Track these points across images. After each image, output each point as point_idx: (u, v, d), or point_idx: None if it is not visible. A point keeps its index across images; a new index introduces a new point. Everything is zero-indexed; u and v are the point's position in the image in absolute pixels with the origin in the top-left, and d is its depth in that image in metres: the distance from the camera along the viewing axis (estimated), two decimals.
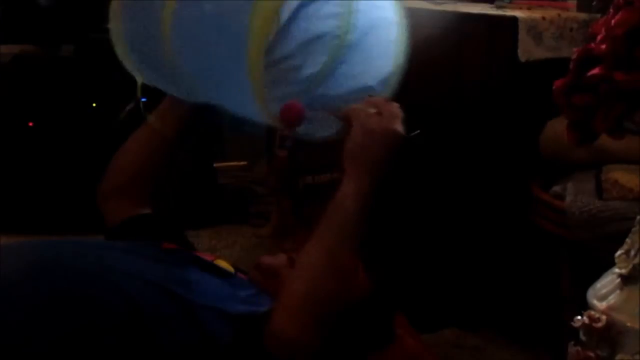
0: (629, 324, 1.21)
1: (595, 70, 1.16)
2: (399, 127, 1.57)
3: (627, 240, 1.28)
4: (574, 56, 1.24)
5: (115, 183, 1.87)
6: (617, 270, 1.27)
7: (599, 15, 1.29)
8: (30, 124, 3.03)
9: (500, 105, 2.30)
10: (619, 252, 1.28)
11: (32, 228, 2.89)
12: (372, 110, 1.58)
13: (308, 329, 1.45)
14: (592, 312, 1.25)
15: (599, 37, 1.21)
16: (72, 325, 1.42)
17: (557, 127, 2.07)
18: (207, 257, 1.81)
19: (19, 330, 1.40)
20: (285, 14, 1.58)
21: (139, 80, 1.78)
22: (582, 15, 2.33)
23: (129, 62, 1.79)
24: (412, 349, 1.86)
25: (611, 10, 1.21)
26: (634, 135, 1.73)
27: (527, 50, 2.24)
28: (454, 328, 2.44)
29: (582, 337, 1.27)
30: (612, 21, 1.17)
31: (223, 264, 1.80)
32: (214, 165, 3.29)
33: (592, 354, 1.24)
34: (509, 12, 2.31)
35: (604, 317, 1.23)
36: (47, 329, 1.41)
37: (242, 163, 3.57)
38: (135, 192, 1.86)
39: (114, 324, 1.45)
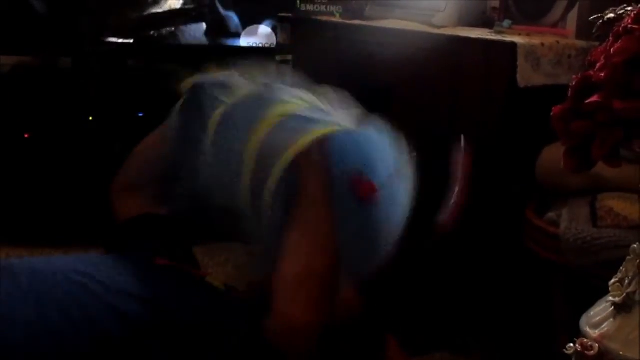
0: (621, 353, 1.21)
1: (594, 98, 1.16)
2: None
3: (622, 268, 1.28)
4: (572, 83, 1.24)
5: (129, 178, 1.88)
6: (610, 298, 1.27)
7: (597, 43, 1.29)
8: (27, 135, 3.03)
9: (497, 131, 2.30)
10: (613, 280, 1.28)
11: (28, 240, 2.89)
12: None
13: (308, 306, 1.45)
14: (585, 340, 1.25)
15: (598, 65, 1.22)
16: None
17: (553, 154, 2.07)
18: (197, 273, 1.81)
19: (12, 351, 1.39)
20: None
21: None
22: (581, 43, 2.34)
23: None
24: None
25: (610, 38, 1.22)
26: (630, 163, 1.73)
27: (526, 76, 2.24)
28: (445, 351, 2.43)
29: None
30: (612, 49, 1.17)
31: (214, 281, 1.80)
32: None
33: None
34: (508, 38, 2.31)
35: (596, 345, 1.22)
36: (43, 349, 1.40)
37: None
38: (149, 190, 1.85)
39: (108, 342, 1.44)
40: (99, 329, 1.44)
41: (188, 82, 1.80)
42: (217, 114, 1.68)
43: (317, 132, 1.55)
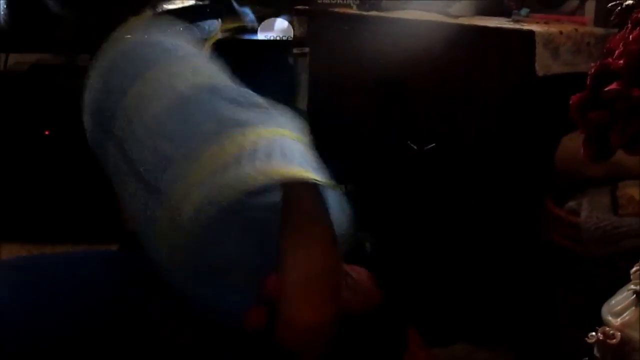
0: None
1: (613, 86, 1.16)
2: None
3: None
4: (591, 71, 1.23)
5: None
6: (632, 286, 1.27)
7: (616, 30, 1.29)
8: (47, 133, 3.04)
9: (516, 120, 2.29)
10: (634, 269, 1.28)
11: (49, 237, 2.91)
12: None
13: (318, 307, 1.43)
14: (607, 329, 1.24)
15: (616, 53, 1.21)
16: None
17: (572, 143, 2.06)
18: None
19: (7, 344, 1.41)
20: None
21: None
22: (600, 30, 2.32)
23: None
24: None
25: (629, 25, 1.21)
26: None
27: (545, 64, 2.23)
28: (465, 343, 2.43)
29: (596, 354, 1.27)
30: (630, 37, 1.17)
31: None
32: None
33: None
34: (526, 26, 2.30)
35: (618, 334, 1.22)
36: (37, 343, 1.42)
37: None
38: None
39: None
40: (99, 326, 1.46)
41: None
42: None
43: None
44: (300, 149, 1.48)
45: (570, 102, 1.27)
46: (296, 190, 1.46)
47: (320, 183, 1.42)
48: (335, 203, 1.53)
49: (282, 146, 1.43)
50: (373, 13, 2.80)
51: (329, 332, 1.47)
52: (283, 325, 1.44)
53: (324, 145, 2.22)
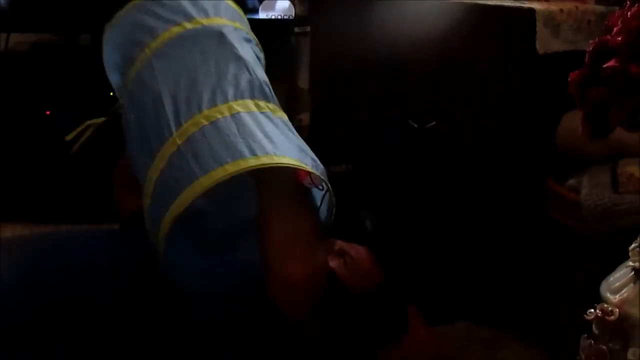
0: None
1: (611, 63, 1.16)
2: None
3: None
4: (590, 48, 1.24)
5: (127, 173, 1.86)
6: (630, 263, 1.27)
7: (616, 8, 1.29)
8: (48, 113, 3.04)
9: (516, 98, 2.29)
10: (632, 246, 1.28)
11: (49, 217, 2.91)
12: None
13: (302, 261, 1.47)
14: (605, 305, 1.25)
15: (615, 30, 1.21)
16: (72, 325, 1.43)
17: (573, 121, 2.05)
18: None
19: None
20: None
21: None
22: (600, 8, 2.31)
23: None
24: (424, 340, 1.86)
25: (628, 2, 1.21)
26: None
27: (545, 42, 2.22)
28: (466, 321, 2.43)
29: (595, 330, 1.27)
30: (629, 13, 1.17)
31: None
32: None
33: (604, 347, 1.24)
34: (527, 4, 2.30)
35: (616, 310, 1.23)
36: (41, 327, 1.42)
37: None
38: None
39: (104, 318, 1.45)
40: (99, 308, 1.46)
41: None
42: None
43: None
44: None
45: (569, 79, 1.27)
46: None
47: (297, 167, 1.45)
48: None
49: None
50: None
51: (314, 288, 1.50)
52: (271, 280, 1.47)
53: (325, 124, 2.22)
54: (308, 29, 3.16)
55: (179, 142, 1.44)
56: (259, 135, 1.45)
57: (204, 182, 1.37)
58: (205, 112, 1.46)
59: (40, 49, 3.14)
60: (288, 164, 1.42)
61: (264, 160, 1.40)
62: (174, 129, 1.45)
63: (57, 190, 3.05)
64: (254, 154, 1.40)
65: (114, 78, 1.74)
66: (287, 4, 3.31)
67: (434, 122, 2.45)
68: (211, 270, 1.60)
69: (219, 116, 1.46)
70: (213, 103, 1.48)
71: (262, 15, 3.30)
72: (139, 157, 1.54)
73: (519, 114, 2.29)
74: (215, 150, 1.41)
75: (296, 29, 3.36)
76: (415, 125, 2.48)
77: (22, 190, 3.01)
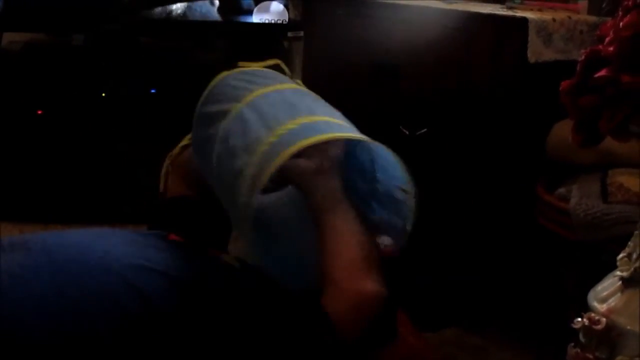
0: (629, 327, 1.21)
1: (602, 72, 1.16)
2: None
3: (630, 243, 1.28)
4: (581, 57, 1.24)
5: (189, 163, 1.90)
6: (618, 273, 1.27)
7: (608, 18, 1.29)
8: (39, 112, 3.03)
9: (507, 106, 2.30)
10: (620, 255, 1.28)
11: (41, 217, 2.90)
12: None
13: (374, 279, 1.50)
14: (592, 314, 1.25)
15: (607, 39, 1.21)
16: (86, 322, 1.42)
17: (564, 129, 2.06)
18: (212, 251, 1.81)
19: (28, 327, 1.39)
20: None
21: None
22: (592, 18, 2.32)
23: None
24: (413, 347, 1.86)
25: (620, 12, 1.21)
26: None
27: (537, 51, 2.23)
28: (456, 327, 2.44)
29: (582, 339, 1.28)
30: (620, 23, 1.17)
31: (228, 258, 1.80)
32: None
33: (591, 356, 1.25)
34: (520, 13, 2.30)
35: (604, 320, 1.23)
36: (60, 326, 1.40)
37: None
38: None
39: (126, 318, 1.44)
40: (117, 305, 1.44)
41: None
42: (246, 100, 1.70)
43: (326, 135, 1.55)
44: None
45: (561, 87, 1.27)
46: (309, 180, 1.57)
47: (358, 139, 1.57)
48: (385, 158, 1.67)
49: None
50: None
51: (377, 310, 1.51)
52: (336, 296, 1.48)
53: None
54: (301, 33, 3.16)
55: (272, 139, 1.52)
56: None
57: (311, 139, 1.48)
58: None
59: (32, 48, 3.14)
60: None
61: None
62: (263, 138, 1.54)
63: (47, 190, 3.05)
64: None
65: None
66: (280, 8, 3.31)
67: (425, 129, 2.46)
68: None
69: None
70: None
71: (255, 19, 3.31)
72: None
73: (510, 122, 2.30)
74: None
75: (289, 34, 3.37)
76: (407, 132, 2.48)
77: (13, 189, 3.00)
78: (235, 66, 1.85)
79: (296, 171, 1.58)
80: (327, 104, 1.70)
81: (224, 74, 1.84)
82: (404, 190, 1.68)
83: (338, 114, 1.67)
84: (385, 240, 1.71)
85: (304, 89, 1.78)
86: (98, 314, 1.42)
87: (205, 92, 1.83)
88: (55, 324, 1.39)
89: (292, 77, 1.87)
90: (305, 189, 1.60)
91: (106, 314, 1.42)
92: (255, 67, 1.86)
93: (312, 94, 1.74)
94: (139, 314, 1.44)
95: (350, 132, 1.58)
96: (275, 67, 1.88)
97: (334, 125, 1.59)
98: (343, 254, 1.53)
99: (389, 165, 1.70)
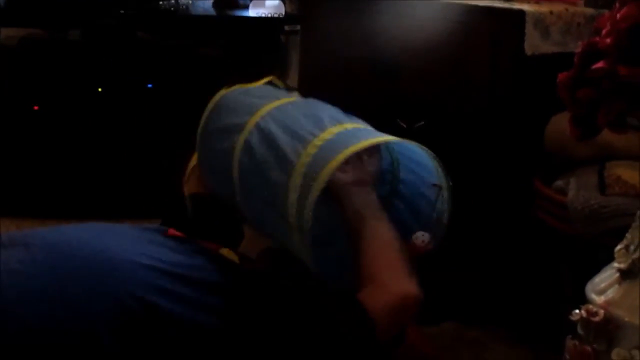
0: (627, 319, 1.21)
1: (599, 64, 1.16)
2: None
3: (627, 235, 1.28)
4: (578, 50, 1.24)
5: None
6: (616, 265, 1.27)
7: (606, 11, 1.29)
8: (36, 108, 3.03)
9: (505, 99, 2.29)
10: (618, 247, 1.28)
11: (37, 212, 2.90)
12: None
13: (413, 281, 1.55)
14: (590, 306, 1.25)
15: (604, 32, 1.21)
16: (86, 320, 1.41)
17: (561, 122, 2.05)
18: (211, 246, 1.81)
19: (27, 323, 1.38)
20: None
21: None
22: (590, 11, 2.32)
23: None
24: (412, 341, 1.86)
25: (617, 4, 1.21)
26: (637, 131, 1.73)
27: (534, 44, 2.23)
28: (454, 321, 2.44)
29: (580, 331, 1.28)
30: (617, 15, 1.17)
31: (227, 253, 1.80)
32: None
33: (589, 348, 1.25)
34: (517, 6, 2.30)
35: (601, 312, 1.23)
36: (59, 323, 1.40)
37: None
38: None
39: (127, 318, 1.43)
40: (118, 305, 1.43)
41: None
42: (258, 115, 1.74)
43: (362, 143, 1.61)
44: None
45: (558, 80, 1.27)
46: (349, 191, 1.62)
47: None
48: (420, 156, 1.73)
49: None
50: None
51: (414, 309, 1.58)
52: (382, 295, 1.51)
53: None
54: (298, 27, 3.16)
55: (318, 143, 1.58)
56: None
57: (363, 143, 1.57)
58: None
59: (29, 43, 3.13)
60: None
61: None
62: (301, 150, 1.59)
63: (45, 186, 3.04)
64: None
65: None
66: (277, 2, 3.31)
67: (423, 122, 2.45)
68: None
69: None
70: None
71: (252, 13, 3.30)
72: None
73: (508, 115, 2.30)
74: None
75: (286, 28, 3.36)
76: (404, 125, 2.48)
77: (10, 185, 3.00)
78: (231, 85, 1.89)
79: (337, 183, 1.61)
80: (340, 111, 1.74)
81: (225, 90, 1.88)
82: (435, 185, 1.74)
83: (356, 118, 1.73)
84: (422, 237, 1.76)
85: (311, 99, 1.82)
86: (98, 312, 1.41)
87: (210, 107, 1.87)
88: (54, 321, 1.39)
89: (288, 89, 1.90)
90: (344, 199, 1.63)
91: (106, 313, 1.41)
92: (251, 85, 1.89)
93: (323, 103, 1.78)
94: (141, 314, 1.43)
95: (381, 136, 1.64)
96: (269, 83, 1.90)
97: (366, 131, 1.66)
98: (387, 257, 1.58)
99: (414, 164, 1.78)
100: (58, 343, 1.37)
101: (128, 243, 1.58)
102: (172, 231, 1.75)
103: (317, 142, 1.58)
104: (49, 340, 1.37)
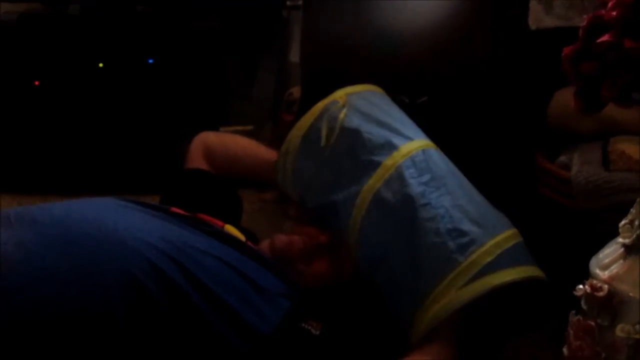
0: (631, 294, 1.21)
1: (605, 37, 1.15)
2: None
3: (632, 210, 1.28)
4: (583, 23, 1.23)
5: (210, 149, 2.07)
6: (620, 240, 1.27)
7: None
8: (36, 83, 3.02)
9: (508, 73, 2.29)
10: (622, 222, 1.28)
11: (38, 188, 2.90)
12: None
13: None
14: (594, 281, 1.25)
15: (609, 4, 1.20)
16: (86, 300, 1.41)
17: (565, 97, 2.05)
18: (217, 222, 1.81)
19: (42, 298, 1.38)
20: None
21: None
22: None
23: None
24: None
25: None
26: None
27: (538, 18, 2.22)
28: None
29: (584, 306, 1.28)
30: None
31: (232, 230, 1.80)
32: (220, 129, 3.29)
33: (592, 323, 1.25)
34: None
35: (605, 287, 1.23)
36: (73, 298, 1.39)
37: (248, 127, 3.57)
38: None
39: (143, 296, 1.43)
40: (135, 282, 1.43)
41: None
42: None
43: None
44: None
45: (562, 54, 1.26)
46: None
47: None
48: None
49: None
50: None
51: None
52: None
53: (316, 97, 2.21)
54: (300, 2, 3.14)
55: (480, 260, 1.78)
56: None
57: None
58: None
59: (29, 18, 3.11)
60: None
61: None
62: None
63: (45, 161, 3.04)
64: None
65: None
66: None
67: (426, 97, 2.44)
68: None
69: None
70: None
71: None
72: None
73: (511, 90, 2.29)
74: None
75: (288, 2, 3.34)
76: (407, 100, 2.47)
77: (10, 161, 2.99)
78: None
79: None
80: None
81: (343, 93, 2.00)
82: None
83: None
84: None
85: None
86: (112, 287, 1.41)
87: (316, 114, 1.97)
88: (68, 296, 1.39)
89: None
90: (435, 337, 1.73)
91: (120, 288, 1.41)
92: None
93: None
94: (153, 288, 1.43)
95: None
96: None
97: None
98: None
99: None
100: (73, 317, 1.38)
101: (137, 221, 1.59)
102: (175, 209, 1.75)
103: (487, 256, 1.76)
104: (65, 316, 1.37)
